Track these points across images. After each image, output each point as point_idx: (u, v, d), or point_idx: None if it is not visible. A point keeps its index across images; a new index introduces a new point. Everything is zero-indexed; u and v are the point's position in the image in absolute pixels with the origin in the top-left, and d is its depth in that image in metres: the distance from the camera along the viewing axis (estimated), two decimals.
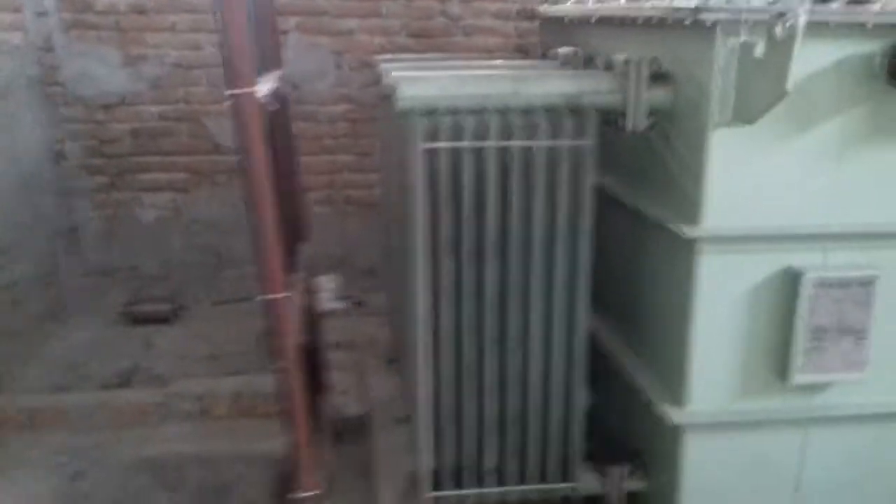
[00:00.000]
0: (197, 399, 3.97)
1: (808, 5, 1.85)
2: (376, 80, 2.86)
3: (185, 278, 5.12)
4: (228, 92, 2.21)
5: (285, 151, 3.00)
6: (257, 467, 3.46)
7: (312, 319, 3.08)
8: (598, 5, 2.72)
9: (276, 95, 2.76)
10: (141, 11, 4.72)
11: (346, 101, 5.08)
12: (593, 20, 2.72)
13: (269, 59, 2.86)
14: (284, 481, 2.98)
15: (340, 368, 4.01)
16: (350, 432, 3.69)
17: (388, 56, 3.34)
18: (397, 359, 3.48)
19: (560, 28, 3.15)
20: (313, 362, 3.04)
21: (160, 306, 4.68)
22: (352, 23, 4.97)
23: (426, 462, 2.48)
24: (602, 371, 2.64)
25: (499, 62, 2.99)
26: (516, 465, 2.47)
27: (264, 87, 2.37)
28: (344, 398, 3.84)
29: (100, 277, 5.01)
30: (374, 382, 3.85)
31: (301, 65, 4.62)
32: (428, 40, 4.97)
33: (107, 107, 4.83)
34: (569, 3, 2.97)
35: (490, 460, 2.47)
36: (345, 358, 4.15)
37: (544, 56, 3.23)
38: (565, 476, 2.44)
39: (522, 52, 4.85)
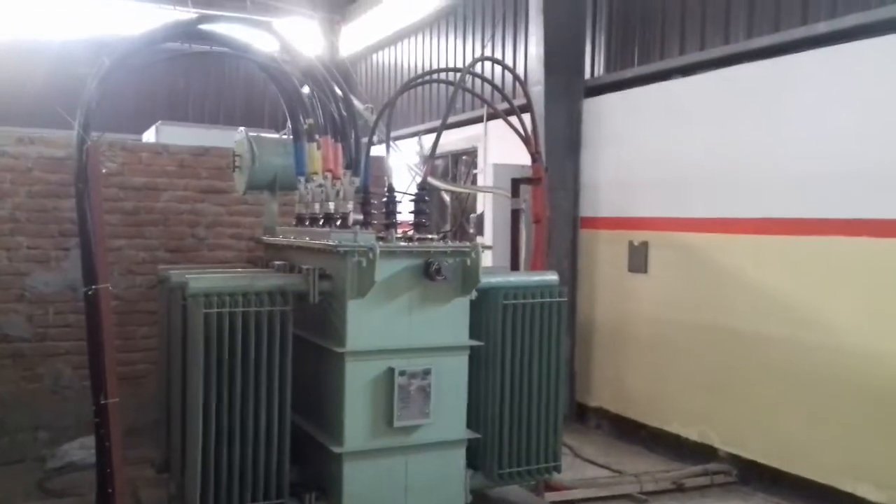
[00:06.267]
0: None
1: (380, 244, 4.02)
2: (163, 280, 4.63)
3: None
4: (92, 287, 3.92)
5: None
6: None
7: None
8: (295, 240, 4.62)
9: None
10: None
11: (115, 298, 6.58)
12: (294, 247, 4.74)
13: None
14: None
15: None
16: None
17: (166, 266, 5.16)
18: (167, 466, 4.93)
19: (276, 249, 5.07)
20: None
21: None
22: (121, 241, 6.62)
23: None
24: (305, 442, 4.49)
25: (240, 269, 4.94)
26: (250, 492, 3.96)
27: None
28: None
29: None
30: (146, 494, 5.09)
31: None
32: (181, 254, 6.56)
33: None
34: (280, 237, 5.06)
35: (235, 493, 3.94)
36: None
37: (267, 265, 4.85)
38: (279, 497, 4.02)
39: (252, 262, 6.39)
